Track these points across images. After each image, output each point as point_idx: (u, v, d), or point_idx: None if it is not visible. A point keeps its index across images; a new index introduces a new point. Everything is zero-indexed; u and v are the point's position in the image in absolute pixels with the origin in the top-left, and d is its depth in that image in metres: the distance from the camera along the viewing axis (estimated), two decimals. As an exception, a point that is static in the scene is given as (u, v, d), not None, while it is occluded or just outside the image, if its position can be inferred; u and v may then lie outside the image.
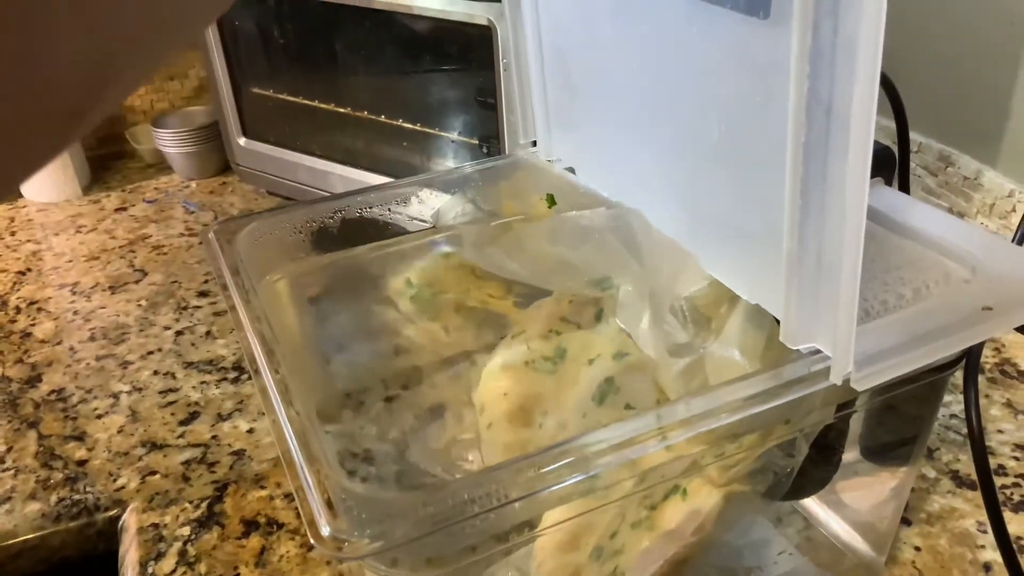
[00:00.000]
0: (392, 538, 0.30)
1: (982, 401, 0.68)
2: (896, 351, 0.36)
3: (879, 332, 0.37)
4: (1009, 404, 0.68)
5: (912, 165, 0.85)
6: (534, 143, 0.59)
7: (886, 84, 0.49)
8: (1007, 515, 0.58)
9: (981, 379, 0.71)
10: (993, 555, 0.55)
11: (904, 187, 0.54)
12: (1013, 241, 0.55)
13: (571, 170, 0.57)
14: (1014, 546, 0.55)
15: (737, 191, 0.39)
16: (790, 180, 0.34)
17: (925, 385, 0.45)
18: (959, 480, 0.61)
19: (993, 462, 0.62)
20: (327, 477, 0.32)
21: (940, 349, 0.37)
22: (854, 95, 0.30)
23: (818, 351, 0.37)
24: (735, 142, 0.38)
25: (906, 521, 0.57)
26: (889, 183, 0.51)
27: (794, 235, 0.35)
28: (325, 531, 0.30)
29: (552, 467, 0.32)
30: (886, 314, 0.40)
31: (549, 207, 0.56)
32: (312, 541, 0.30)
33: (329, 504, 0.31)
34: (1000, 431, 0.65)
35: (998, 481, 0.61)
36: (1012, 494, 0.60)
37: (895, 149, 0.53)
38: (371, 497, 0.32)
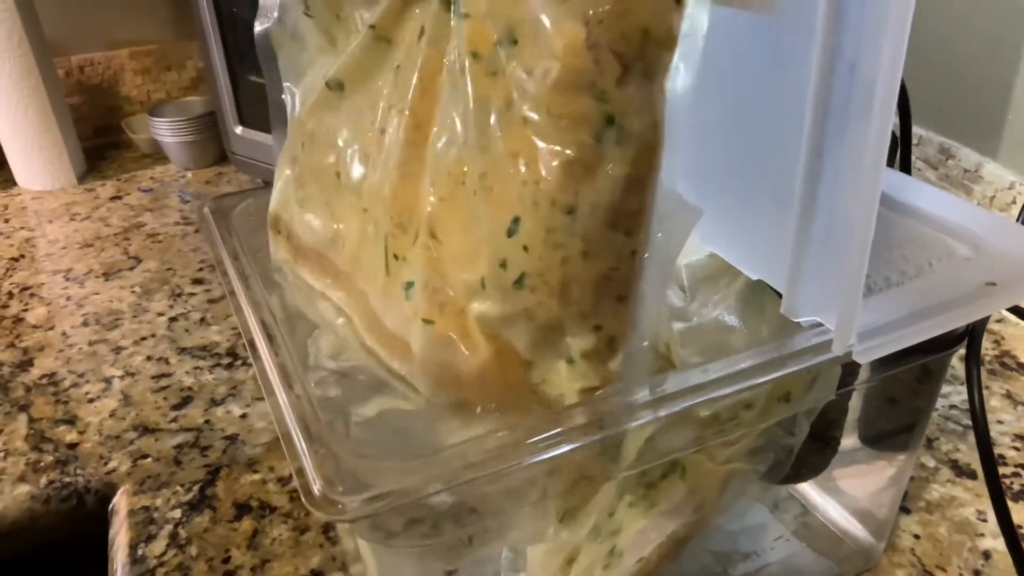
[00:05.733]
0: (383, 503, 0.29)
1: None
2: (899, 324, 0.36)
3: (881, 306, 0.37)
4: (1009, 395, 0.67)
5: (912, 158, 0.85)
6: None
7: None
8: (1008, 504, 0.57)
9: (981, 371, 0.70)
10: (993, 543, 0.54)
11: (906, 169, 0.53)
12: (1018, 221, 0.55)
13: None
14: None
15: (746, 161, 0.39)
16: (806, 143, 0.33)
17: (923, 368, 0.44)
18: (959, 469, 0.60)
19: (994, 452, 0.62)
20: (326, 448, 0.31)
21: (944, 323, 0.37)
22: (883, 52, 0.28)
23: (819, 324, 0.36)
24: (748, 107, 0.38)
25: (905, 509, 0.57)
26: (890, 164, 0.50)
27: (805, 202, 0.34)
28: (317, 491, 0.29)
29: (542, 435, 0.32)
30: (888, 290, 0.39)
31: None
32: (306, 503, 0.29)
33: (325, 472, 0.30)
34: (1000, 421, 0.65)
35: (998, 471, 0.60)
36: (1012, 483, 0.59)
37: (896, 131, 0.52)
38: (368, 464, 0.31)
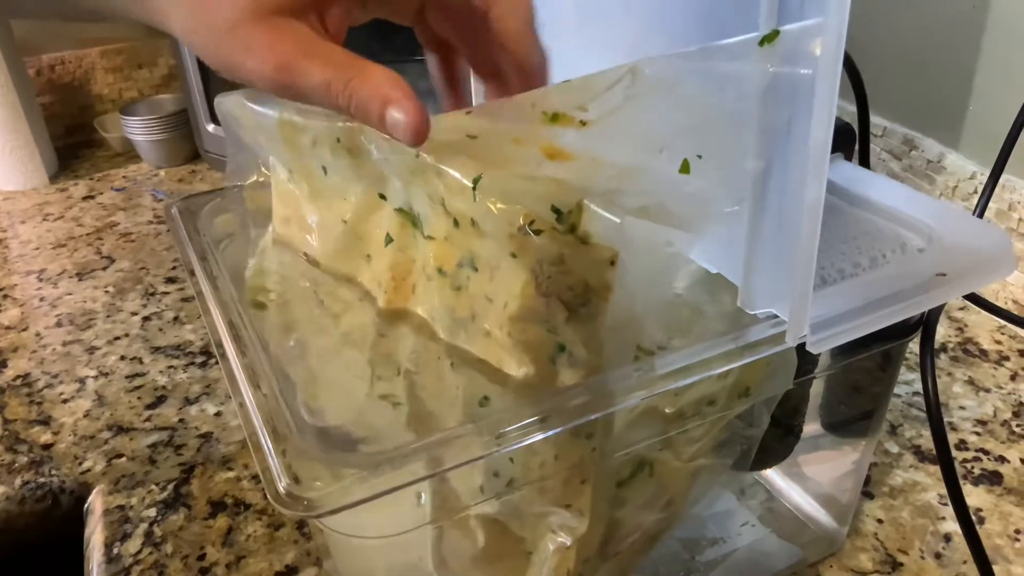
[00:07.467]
0: (349, 498, 0.30)
1: (945, 379, 0.69)
2: (852, 315, 0.37)
3: (835, 297, 0.38)
4: (971, 381, 0.69)
5: (876, 149, 0.86)
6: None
7: (844, 58, 0.50)
8: (967, 488, 0.59)
9: (944, 358, 0.72)
10: (954, 526, 0.56)
11: (864, 163, 0.54)
12: (973, 214, 0.56)
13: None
14: (972, 516, 0.56)
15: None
16: (755, 142, 0.34)
17: (882, 355, 0.45)
18: (921, 455, 0.62)
19: (955, 437, 0.63)
20: (292, 446, 0.32)
21: (895, 313, 0.38)
22: (821, 52, 0.30)
23: (775, 316, 0.37)
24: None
25: (869, 495, 0.58)
26: (849, 159, 0.51)
27: (756, 198, 0.35)
28: (282, 489, 0.30)
29: (508, 428, 0.32)
30: (842, 281, 0.40)
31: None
32: (272, 501, 0.30)
33: (290, 468, 0.31)
34: (962, 407, 0.66)
35: (959, 455, 0.62)
36: (972, 468, 0.60)
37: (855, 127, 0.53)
38: (331, 458, 0.32)
